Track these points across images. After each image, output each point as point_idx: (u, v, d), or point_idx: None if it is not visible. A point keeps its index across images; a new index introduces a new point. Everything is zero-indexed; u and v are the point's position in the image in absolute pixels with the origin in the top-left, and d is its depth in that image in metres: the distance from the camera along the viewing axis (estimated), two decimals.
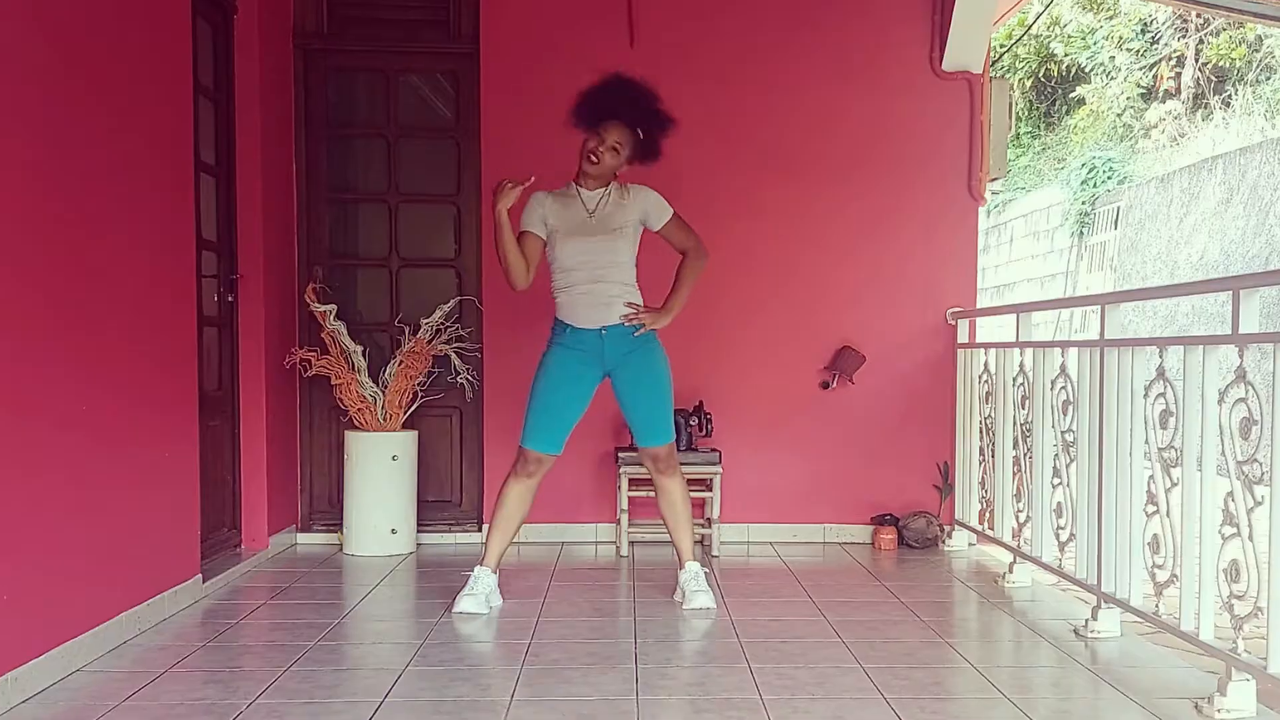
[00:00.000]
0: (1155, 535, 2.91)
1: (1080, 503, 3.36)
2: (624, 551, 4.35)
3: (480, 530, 4.58)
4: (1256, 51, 12.08)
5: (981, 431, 4.35)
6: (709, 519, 4.41)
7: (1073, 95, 14.32)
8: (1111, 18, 13.80)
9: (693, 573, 3.54)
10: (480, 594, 3.43)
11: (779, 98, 4.61)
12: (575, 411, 3.50)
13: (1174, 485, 2.82)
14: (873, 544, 4.57)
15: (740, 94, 4.59)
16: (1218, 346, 2.72)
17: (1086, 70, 14.05)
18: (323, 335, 4.37)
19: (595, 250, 3.43)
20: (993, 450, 4.17)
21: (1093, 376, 3.26)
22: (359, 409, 4.34)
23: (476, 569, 3.49)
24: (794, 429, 4.65)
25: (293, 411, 4.57)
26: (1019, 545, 3.89)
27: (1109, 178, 11.96)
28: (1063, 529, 3.53)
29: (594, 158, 3.41)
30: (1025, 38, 13.58)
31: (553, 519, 4.54)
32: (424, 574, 4.04)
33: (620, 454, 4.36)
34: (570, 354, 3.47)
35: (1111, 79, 13.67)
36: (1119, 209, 11.28)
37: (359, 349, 4.36)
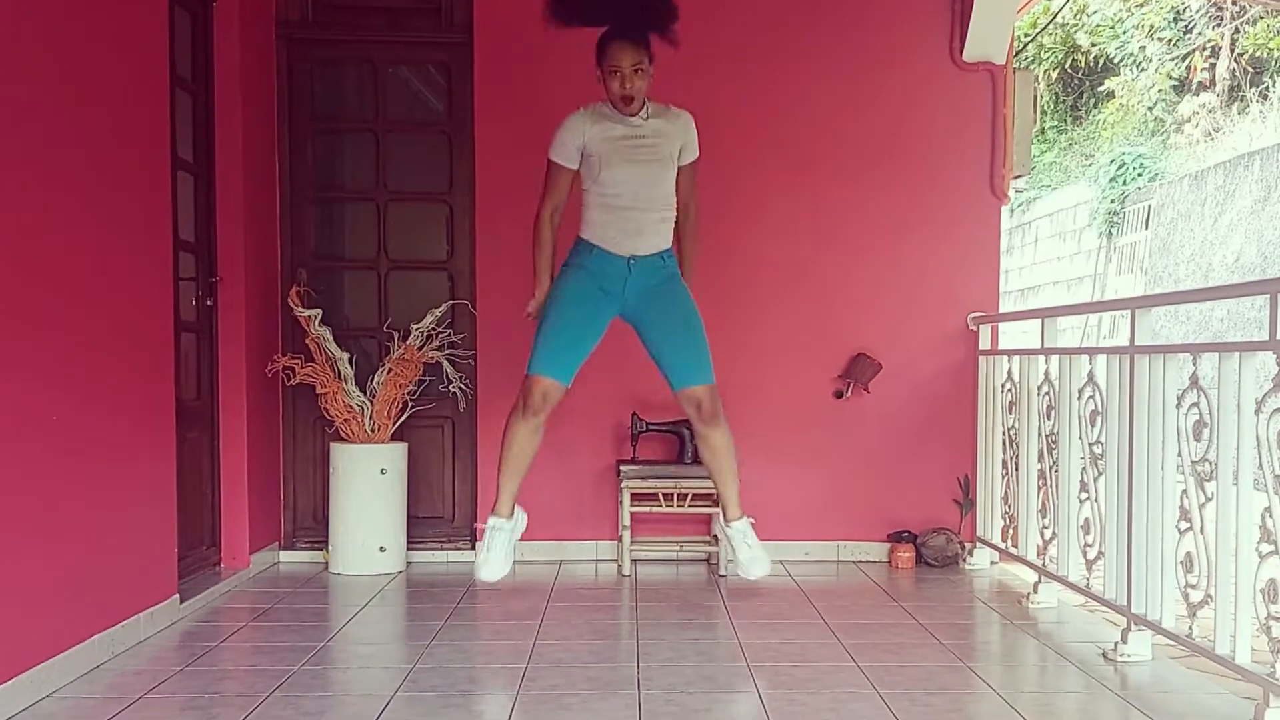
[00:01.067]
0: (1188, 553, 2.91)
1: (1109, 519, 3.36)
2: (626, 570, 4.35)
3: (474, 548, 4.58)
4: None
5: (1004, 443, 4.35)
6: (716, 535, 4.41)
7: (1101, 88, 14.34)
8: (1142, 5, 13.83)
9: (740, 531, 3.54)
10: (498, 554, 3.44)
11: (789, 89, 4.62)
12: (589, 339, 3.50)
13: (1208, 500, 2.83)
14: (889, 562, 4.57)
15: (748, 86, 4.60)
16: (1255, 353, 2.73)
17: (1115, 61, 14.06)
18: (307, 341, 4.38)
19: (644, 180, 3.45)
20: (1016, 463, 4.17)
21: (1122, 385, 3.26)
22: (345, 419, 4.35)
23: (492, 520, 3.47)
24: (806, 441, 4.65)
25: (275, 422, 4.58)
26: (1044, 564, 3.89)
27: (1139, 175, 11.97)
28: (1090, 546, 3.53)
29: (627, 100, 3.40)
30: (1051, 27, 13.60)
31: (550, 536, 4.54)
32: (414, 594, 4.05)
33: (622, 467, 4.37)
34: (590, 278, 3.48)
35: (1142, 70, 13.68)
36: (1150, 208, 11.29)
37: (345, 356, 4.37)
